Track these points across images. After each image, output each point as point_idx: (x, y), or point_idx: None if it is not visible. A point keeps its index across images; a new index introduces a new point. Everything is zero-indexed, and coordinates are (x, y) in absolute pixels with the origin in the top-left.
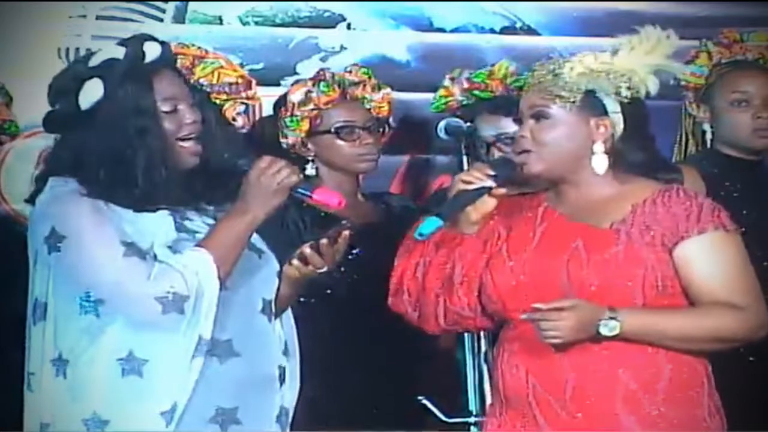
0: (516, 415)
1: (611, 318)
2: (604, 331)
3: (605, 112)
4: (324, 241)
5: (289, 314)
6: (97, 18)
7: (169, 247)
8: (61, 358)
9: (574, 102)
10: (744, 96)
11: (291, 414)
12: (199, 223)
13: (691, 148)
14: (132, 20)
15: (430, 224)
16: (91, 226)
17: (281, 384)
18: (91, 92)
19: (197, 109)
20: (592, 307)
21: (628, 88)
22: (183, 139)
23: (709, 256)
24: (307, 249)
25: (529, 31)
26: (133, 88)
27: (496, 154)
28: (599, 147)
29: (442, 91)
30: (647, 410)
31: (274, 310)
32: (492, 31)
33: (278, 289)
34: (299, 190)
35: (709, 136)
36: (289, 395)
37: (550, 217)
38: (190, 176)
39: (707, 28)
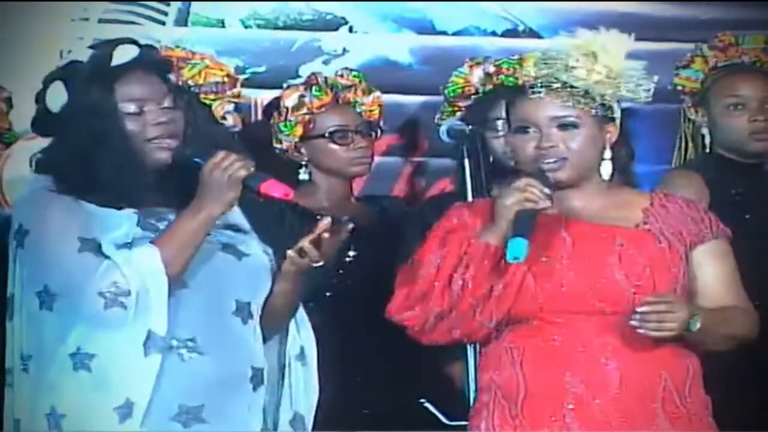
0: (539, 414)
1: (695, 314)
2: (694, 326)
3: (612, 118)
4: (326, 235)
5: (305, 320)
6: (100, 21)
7: (128, 244)
8: (26, 354)
9: (610, 110)
10: (740, 99)
11: (308, 420)
12: None
13: (691, 153)
14: (134, 23)
15: (520, 245)
16: (50, 222)
17: (257, 386)
18: (58, 95)
19: (171, 110)
20: (686, 303)
21: (646, 90)
22: (151, 140)
23: (720, 261)
24: (305, 243)
25: (531, 33)
26: (92, 90)
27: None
28: (608, 153)
29: (458, 78)
30: (679, 409)
31: (257, 312)
32: (494, 33)
33: (271, 290)
34: (249, 182)
35: (708, 140)
36: (304, 401)
37: (560, 221)
38: (166, 176)
39: (709, 31)
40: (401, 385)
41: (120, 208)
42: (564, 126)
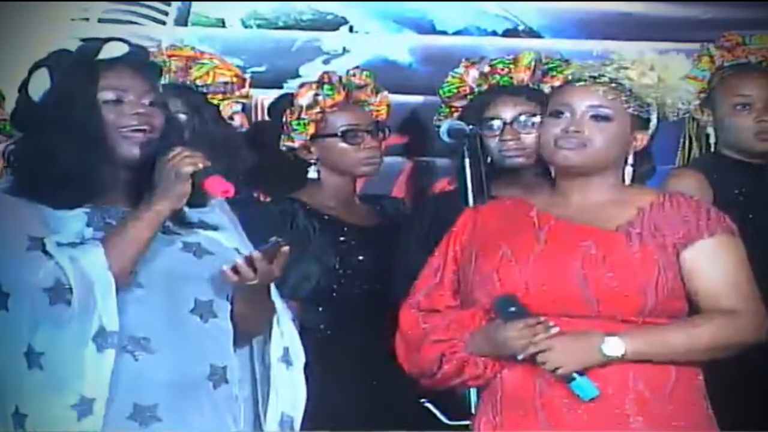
0: (514, 415)
1: (610, 336)
2: (609, 352)
3: (646, 126)
4: (257, 254)
5: (288, 321)
6: (100, 20)
7: (77, 244)
8: None
9: (646, 117)
10: (746, 99)
11: (297, 420)
12: None
13: (695, 152)
14: (134, 23)
15: (586, 385)
16: (3, 223)
17: (218, 384)
18: (41, 82)
19: (150, 106)
20: (583, 334)
21: (689, 105)
22: (125, 129)
23: (718, 259)
24: (240, 260)
25: (531, 33)
26: (75, 75)
27: (510, 135)
28: (630, 159)
29: (453, 79)
30: (656, 411)
31: (225, 310)
32: (494, 33)
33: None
34: (195, 179)
35: (713, 139)
36: (290, 402)
37: (548, 221)
38: (134, 173)
39: (710, 31)
40: (402, 385)
41: (75, 208)
42: (597, 117)
